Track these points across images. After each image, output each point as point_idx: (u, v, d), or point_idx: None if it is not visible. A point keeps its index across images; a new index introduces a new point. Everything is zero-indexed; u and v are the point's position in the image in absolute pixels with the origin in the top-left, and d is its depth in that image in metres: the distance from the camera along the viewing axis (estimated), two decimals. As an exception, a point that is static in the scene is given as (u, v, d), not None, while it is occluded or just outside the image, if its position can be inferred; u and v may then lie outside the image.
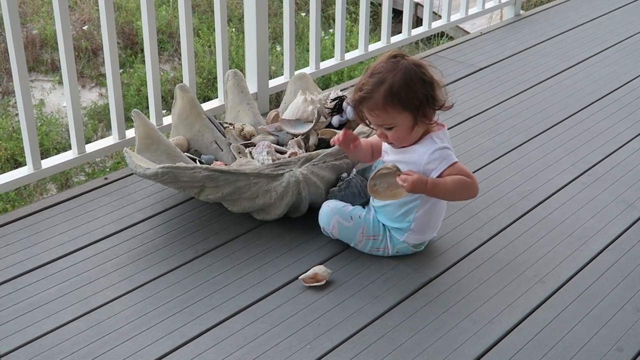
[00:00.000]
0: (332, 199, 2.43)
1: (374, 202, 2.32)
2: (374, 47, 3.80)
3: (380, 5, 5.49)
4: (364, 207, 2.36)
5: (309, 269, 2.24)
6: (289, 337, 2.04)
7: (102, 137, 3.98)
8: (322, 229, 2.36)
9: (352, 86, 3.33)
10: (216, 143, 2.71)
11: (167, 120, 3.00)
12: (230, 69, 2.98)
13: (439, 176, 2.17)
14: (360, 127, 2.60)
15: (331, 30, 6.35)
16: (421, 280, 2.25)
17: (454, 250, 2.38)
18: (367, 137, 2.53)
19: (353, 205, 2.36)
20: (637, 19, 4.39)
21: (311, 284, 2.21)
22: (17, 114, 5.13)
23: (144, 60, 3.75)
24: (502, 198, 2.65)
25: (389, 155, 2.27)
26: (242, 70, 3.29)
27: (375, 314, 2.12)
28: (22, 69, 2.57)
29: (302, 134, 2.71)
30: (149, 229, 2.48)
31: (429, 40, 6.42)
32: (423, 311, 2.13)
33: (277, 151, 2.65)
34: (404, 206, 2.25)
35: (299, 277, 2.23)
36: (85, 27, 6.32)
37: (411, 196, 2.21)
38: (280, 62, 5.76)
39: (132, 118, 2.61)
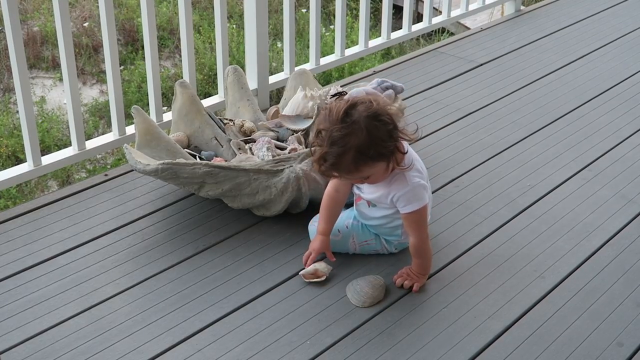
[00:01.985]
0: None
1: (360, 217, 2.29)
2: (374, 43, 3.80)
3: (380, 1, 5.49)
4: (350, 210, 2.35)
5: (310, 265, 2.24)
6: (289, 333, 2.04)
7: (102, 134, 3.98)
8: None
9: (352, 82, 3.34)
10: (216, 139, 2.71)
11: (168, 116, 3.00)
12: (230, 65, 2.98)
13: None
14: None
15: (332, 27, 6.34)
16: (421, 276, 2.25)
17: (454, 245, 2.38)
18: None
19: (349, 200, 2.35)
20: (638, 15, 4.38)
21: (311, 280, 2.21)
22: (18, 111, 5.13)
23: (144, 57, 3.75)
24: (502, 194, 2.65)
25: (364, 190, 2.20)
26: (243, 66, 3.28)
27: (375, 309, 2.12)
28: (22, 66, 2.57)
29: (302, 130, 2.71)
30: (149, 225, 2.48)
31: (430, 36, 6.41)
32: (423, 307, 2.13)
33: (277, 147, 2.65)
34: (390, 224, 2.24)
35: (300, 273, 2.23)
36: (85, 24, 6.32)
37: (399, 220, 2.19)
38: (281, 58, 5.76)
39: (133, 114, 2.61)
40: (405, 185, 2.09)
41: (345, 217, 2.31)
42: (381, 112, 2.00)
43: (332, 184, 2.25)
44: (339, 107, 1.98)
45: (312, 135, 2.69)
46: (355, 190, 2.25)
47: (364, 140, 1.96)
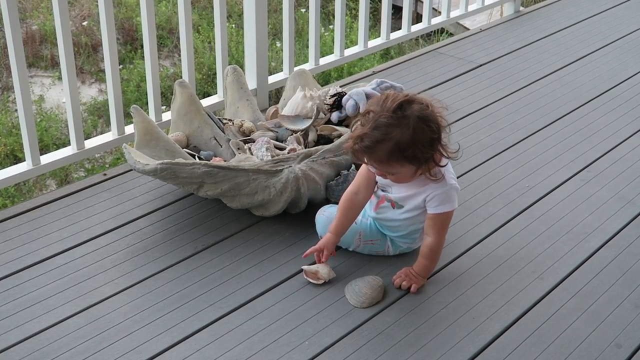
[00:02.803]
0: (329, 192, 2.43)
1: (371, 212, 2.28)
2: (373, 43, 3.80)
3: (380, 1, 5.48)
4: None
5: (314, 263, 2.24)
6: (288, 333, 2.04)
7: (101, 133, 3.98)
8: (319, 237, 2.35)
9: (351, 82, 3.34)
10: (215, 139, 2.71)
11: (167, 116, 3.00)
12: (229, 65, 2.97)
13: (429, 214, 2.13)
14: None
15: (331, 27, 6.35)
16: (420, 277, 2.25)
17: (453, 246, 2.38)
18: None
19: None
20: (638, 16, 4.38)
21: (309, 279, 2.21)
22: (16, 110, 5.13)
23: (143, 56, 3.75)
24: (501, 194, 2.65)
25: (392, 190, 2.19)
26: (242, 66, 3.28)
27: (374, 310, 2.12)
28: (21, 64, 2.57)
29: (302, 130, 2.71)
30: (148, 225, 2.48)
31: (429, 36, 6.41)
32: (422, 307, 2.13)
33: (277, 147, 2.65)
34: (410, 228, 2.23)
35: (302, 267, 2.22)
36: (84, 23, 6.32)
37: (420, 224, 2.19)
38: (280, 58, 5.76)
39: (132, 114, 2.61)
40: (444, 185, 2.08)
41: None
42: (432, 118, 1.99)
43: (353, 184, 2.22)
44: (396, 97, 1.99)
45: (311, 135, 2.69)
46: (380, 192, 2.22)
47: (407, 138, 1.96)
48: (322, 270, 2.21)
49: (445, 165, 2.09)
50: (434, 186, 2.09)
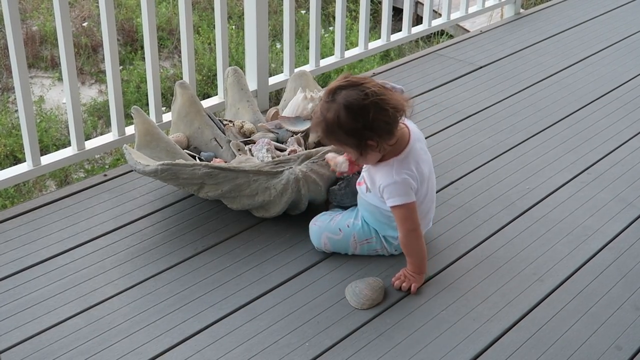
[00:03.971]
0: (332, 196, 2.44)
1: (360, 203, 2.31)
2: (374, 45, 3.80)
3: (380, 3, 5.48)
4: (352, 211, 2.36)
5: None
6: (288, 335, 2.04)
7: (101, 134, 3.98)
8: (315, 247, 2.36)
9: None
10: (216, 140, 2.71)
11: (167, 117, 3.00)
12: (230, 66, 2.98)
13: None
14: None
15: (331, 28, 6.35)
16: (420, 278, 2.25)
17: (453, 248, 2.38)
18: None
19: (352, 204, 2.36)
20: (637, 18, 4.39)
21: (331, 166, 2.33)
22: (16, 111, 5.13)
23: (143, 57, 3.75)
24: (501, 196, 2.65)
25: (366, 171, 2.26)
26: (242, 67, 3.28)
27: (374, 311, 2.12)
28: (21, 65, 2.57)
29: (302, 132, 2.71)
30: (148, 226, 2.48)
31: (429, 38, 6.42)
32: (422, 309, 2.13)
33: (277, 149, 2.65)
34: (384, 214, 2.25)
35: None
36: (85, 24, 6.32)
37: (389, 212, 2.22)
38: (280, 59, 5.76)
39: (132, 115, 2.61)
40: (390, 177, 2.14)
41: (347, 217, 2.32)
42: (360, 106, 2.06)
43: None
44: (334, 84, 2.13)
45: (311, 136, 2.70)
46: (363, 172, 2.28)
47: (331, 121, 2.08)
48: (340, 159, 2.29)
49: (383, 153, 2.13)
50: (383, 176, 2.15)
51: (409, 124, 2.22)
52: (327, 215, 2.36)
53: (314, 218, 2.37)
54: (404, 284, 2.19)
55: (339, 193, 2.43)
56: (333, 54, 3.66)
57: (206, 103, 3.14)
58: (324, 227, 2.32)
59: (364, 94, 2.06)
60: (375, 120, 2.05)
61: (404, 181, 2.14)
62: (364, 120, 2.06)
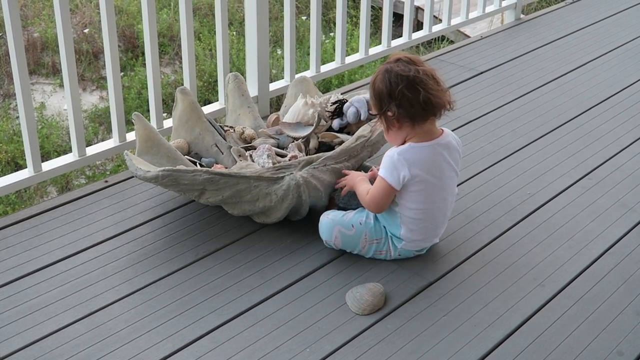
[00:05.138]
0: (339, 199, 2.44)
1: None
2: (374, 50, 3.80)
3: (380, 9, 5.49)
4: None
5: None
6: (289, 340, 2.03)
7: (102, 140, 3.98)
8: (324, 242, 2.36)
9: (352, 89, 3.35)
10: (217, 146, 2.71)
11: (168, 123, 3.00)
12: (230, 72, 2.98)
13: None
14: (361, 131, 2.60)
15: (332, 34, 6.35)
16: (421, 284, 2.25)
17: (455, 253, 2.38)
18: (368, 140, 2.54)
19: (356, 209, 2.36)
20: (638, 23, 4.39)
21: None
22: (18, 117, 5.13)
23: (144, 64, 3.76)
24: (502, 201, 2.65)
25: None
26: (243, 73, 3.29)
27: (375, 317, 2.12)
28: (23, 71, 2.57)
29: (303, 137, 2.71)
30: (149, 232, 2.48)
31: (430, 44, 6.42)
32: (423, 314, 2.13)
33: (278, 154, 2.65)
34: (393, 210, 2.27)
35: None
36: (86, 30, 6.32)
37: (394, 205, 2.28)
38: (281, 65, 5.76)
39: (133, 121, 2.61)
40: (392, 151, 2.23)
41: (359, 215, 2.33)
42: (396, 78, 2.16)
43: None
44: (397, 56, 2.23)
45: (312, 142, 2.70)
46: None
47: (372, 85, 2.23)
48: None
49: (393, 117, 2.19)
50: (389, 149, 2.25)
51: (448, 133, 2.28)
52: (337, 211, 2.37)
53: (325, 212, 2.38)
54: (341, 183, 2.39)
55: (347, 195, 2.42)
56: (334, 60, 3.67)
57: (207, 109, 3.14)
58: (337, 221, 2.31)
59: (407, 68, 2.16)
60: (402, 95, 2.15)
61: (398, 162, 2.20)
62: (391, 88, 2.15)
